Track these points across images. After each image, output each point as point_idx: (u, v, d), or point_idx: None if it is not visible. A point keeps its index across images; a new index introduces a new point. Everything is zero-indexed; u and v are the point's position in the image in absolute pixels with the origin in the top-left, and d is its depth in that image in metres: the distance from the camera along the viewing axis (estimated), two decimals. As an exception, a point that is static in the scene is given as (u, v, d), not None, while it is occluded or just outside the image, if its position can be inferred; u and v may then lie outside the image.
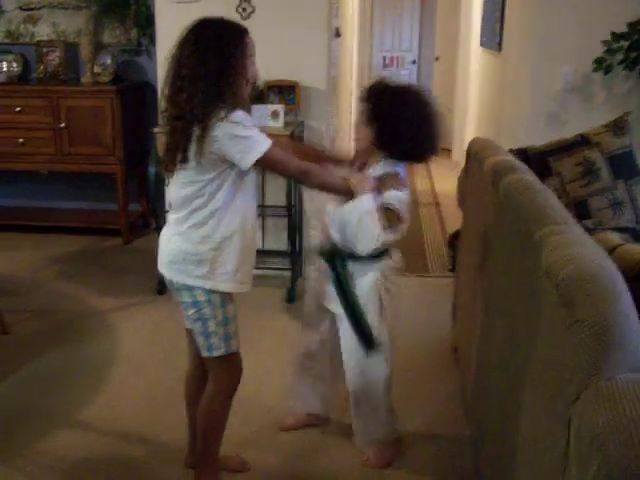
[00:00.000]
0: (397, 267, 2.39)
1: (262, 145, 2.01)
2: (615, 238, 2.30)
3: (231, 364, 2.22)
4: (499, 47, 4.97)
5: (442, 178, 7.01)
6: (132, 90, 5.00)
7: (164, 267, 2.14)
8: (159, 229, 4.02)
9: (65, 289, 4.10)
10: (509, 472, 1.79)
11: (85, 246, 4.96)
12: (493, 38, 5.21)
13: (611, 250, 2.10)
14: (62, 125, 4.74)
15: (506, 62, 4.77)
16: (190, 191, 2.04)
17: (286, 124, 3.97)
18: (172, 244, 2.10)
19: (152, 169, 3.96)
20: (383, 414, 2.49)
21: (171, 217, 2.14)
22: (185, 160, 2.01)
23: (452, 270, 4.42)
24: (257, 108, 3.96)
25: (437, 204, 6.27)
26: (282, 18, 4.10)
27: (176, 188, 2.08)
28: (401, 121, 2.22)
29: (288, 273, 4.16)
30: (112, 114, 4.70)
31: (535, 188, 2.04)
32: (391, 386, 2.51)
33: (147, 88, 5.09)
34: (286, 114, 3.98)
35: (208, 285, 2.07)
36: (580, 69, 4.05)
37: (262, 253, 4.40)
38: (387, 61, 9.38)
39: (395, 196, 2.24)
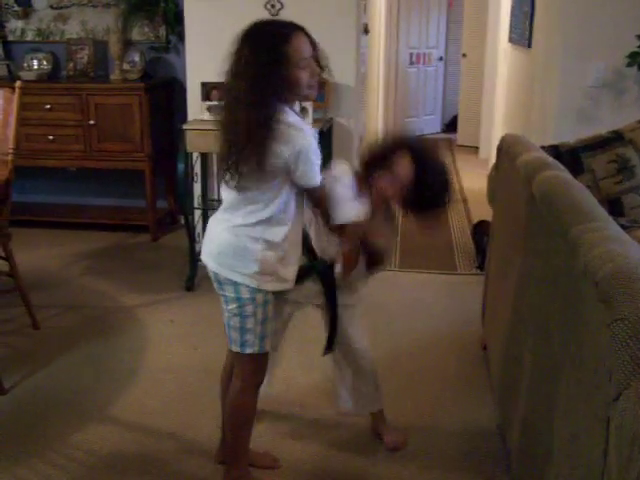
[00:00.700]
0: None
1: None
2: (652, 235, 2.26)
3: (260, 363, 2.20)
4: (528, 43, 4.92)
5: (469, 175, 6.97)
6: (160, 87, 5.02)
7: (211, 258, 2.12)
8: (188, 226, 4.08)
9: (94, 285, 4.13)
10: (544, 472, 1.77)
11: (113, 242, 4.99)
12: (522, 34, 5.16)
13: (648, 248, 2.06)
14: (91, 122, 4.78)
15: (535, 58, 4.72)
16: (246, 197, 2.02)
17: (315, 121, 3.96)
18: (223, 237, 2.08)
19: (181, 166, 3.97)
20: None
21: (223, 214, 2.12)
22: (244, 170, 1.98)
23: (478, 264, 4.42)
24: (285, 105, 3.96)
25: (465, 201, 6.23)
26: (311, 15, 4.09)
27: (230, 190, 2.05)
28: (425, 189, 2.25)
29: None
30: (140, 111, 4.72)
31: (570, 185, 2.01)
32: None
33: (175, 85, 5.12)
34: (315, 111, 3.98)
35: (254, 284, 2.05)
36: (612, 64, 4.00)
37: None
38: (414, 58, 9.33)
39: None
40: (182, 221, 5.02)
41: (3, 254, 3.45)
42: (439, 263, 4.56)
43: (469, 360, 3.26)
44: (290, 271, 2.12)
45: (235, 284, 2.06)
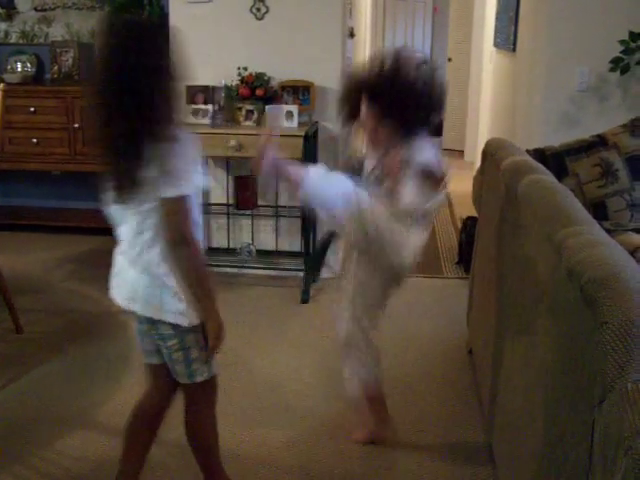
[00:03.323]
0: None
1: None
2: (637, 239, 2.28)
3: (211, 386, 2.09)
4: (513, 47, 4.95)
5: (455, 178, 6.97)
6: (145, 90, 5.00)
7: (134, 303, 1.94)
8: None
9: (78, 289, 4.10)
10: (529, 475, 1.78)
11: (97, 246, 4.96)
12: (507, 38, 5.19)
13: (633, 251, 2.08)
14: (76, 125, 4.76)
15: (520, 63, 4.75)
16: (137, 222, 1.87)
17: (300, 124, 3.96)
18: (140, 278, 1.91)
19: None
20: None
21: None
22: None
23: (458, 260, 4.45)
24: (271, 108, 3.96)
25: (450, 204, 6.25)
26: (296, 18, 4.10)
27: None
28: (402, 89, 2.18)
29: (302, 274, 4.15)
30: (126, 114, 4.70)
31: (554, 188, 2.02)
32: None
33: (160, 88, 5.09)
34: (300, 114, 3.98)
35: (188, 322, 1.90)
36: (595, 69, 4.03)
37: (276, 254, 4.41)
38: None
39: None
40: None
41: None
42: (424, 267, 4.56)
43: (454, 364, 3.26)
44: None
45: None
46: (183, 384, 2.04)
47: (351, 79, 2.34)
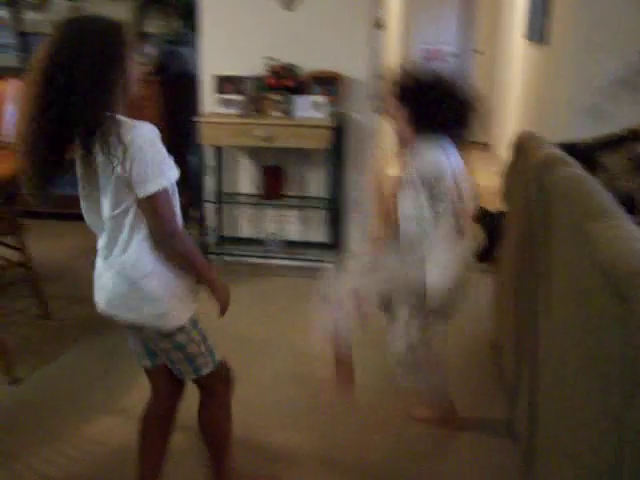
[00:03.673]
0: None
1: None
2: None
3: (222, 373, 2.08)
4: (544, 39, 4.89)
5: (482, 172, 6.93)
6: (175, 80, 5.03)
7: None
8: (201, 220, 4.09)
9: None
10: (558, 471, 1.77)
11: (126, 235, 4.99)
12: (537, 30, 5.13)
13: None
14: (105, 114, 4.78)
15: (551, 54, 4.69)
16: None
17: (328, 115, 3.96)
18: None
19: (194, 159, 3.98)
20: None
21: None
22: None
23: (480, 255, 4.42)
24: (299, 99, 3.96)
25: (477, 198, 6.20)
26: (325, 9, 4.09)
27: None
28: (429, 91, 2.22)
29: (328, 265, 4.15)
30: (154, 103, 4.73)
31: (586, 182, 2.00)
32: None
33: (189, 78, 5.11)
34: (328, 105, 3.97)
35: (169, 326, 1.89)
36: (627, 61, 3.97)
37: (302, 245, 4.42)
38: (427, 53, 9.29)
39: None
40: (194, 214, 5.03)
41: (16, 245, 3.46)
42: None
43: (479, 358, 3.25)
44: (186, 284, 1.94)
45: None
46: (194, 380, 2.03)
47: (387, 77, 2.34)
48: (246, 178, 4.42)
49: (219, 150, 4.35)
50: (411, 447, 2.59)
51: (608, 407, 1.35)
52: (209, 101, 4.25)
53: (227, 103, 4.07)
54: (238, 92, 4.10)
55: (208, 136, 3.98)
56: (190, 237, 1.88)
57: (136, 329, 1.93)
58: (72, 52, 1.68)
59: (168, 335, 1.89)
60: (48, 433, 2.62)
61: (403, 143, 2.32)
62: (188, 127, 4.94)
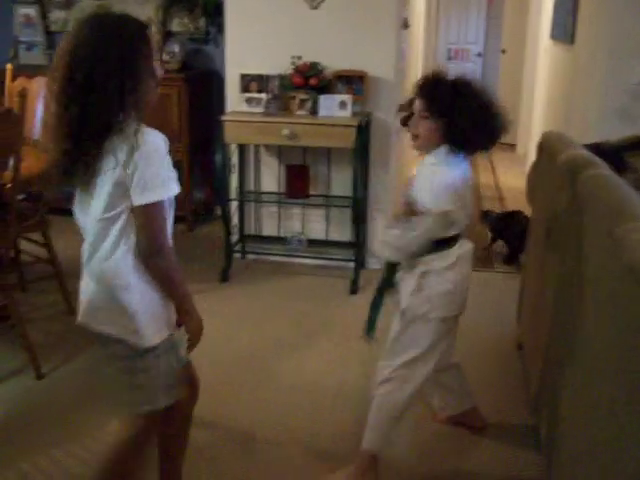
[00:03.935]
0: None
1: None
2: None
3: (151, 422, 1.92)
4: (571, 39, 4.85)
5: (506, 172, 6.91)
6: (199, 78, 5.04)
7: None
8: (225, 218, 4.10)
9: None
10: (585, 473, 1.75)
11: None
12: (565, 30, 5.09)
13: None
14: (130, 112, 4.81)
15: (578, 54, 4.65)
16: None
17: (353, 115, 3.95)
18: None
19: (219, 157, 3.99)
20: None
21: None
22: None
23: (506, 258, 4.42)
24: (325, 98, 3.95)
25: (501, 198, 6.18)
26: (351, 8, 4.07)
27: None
28: (469, 111, 2.14)
29: (352, 264, 4.15)
30: (179, 102, 4.75)
31: (614, 184, 1.98)
32: None
33: (214, 76, 5.14)
34: (354, 104, 3.97)
35: (142, 342, 1.79)
36: (657, 62, 3.92)
37: (326, 243, 4.41)
38: (452, 53, 9.27)
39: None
40: (218, 212, 5.05)
41: (42, 241, 3.49)
42: (475, 259, 4.52)
43: (504, 359, 3.23)
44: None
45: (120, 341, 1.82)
46: (124, 412, 1.92)
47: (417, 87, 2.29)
48: (270, 176, 4.42)
49: (243, 148, 4.36)
50: (431, 450, 2.58)
51: (636, 416, 1.34)
52: (234, 99, 4.26)
53: (252, 101, 4.07)
54: (263, 90, 4.11)
55: (232, 134, 3.99)
56: (176, 259, 1.80)
57: (103, 343, 1.84)
58: (93, 50, 1.65)
59: (131, 356, 1.79)
60: (72, 428, 2.63)
61: (421, 149, 2.28)
62: (212, 125, 4.97)
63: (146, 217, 1.69)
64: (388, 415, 2.29)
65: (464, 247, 2.29)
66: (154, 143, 1.68)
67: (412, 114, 2.25)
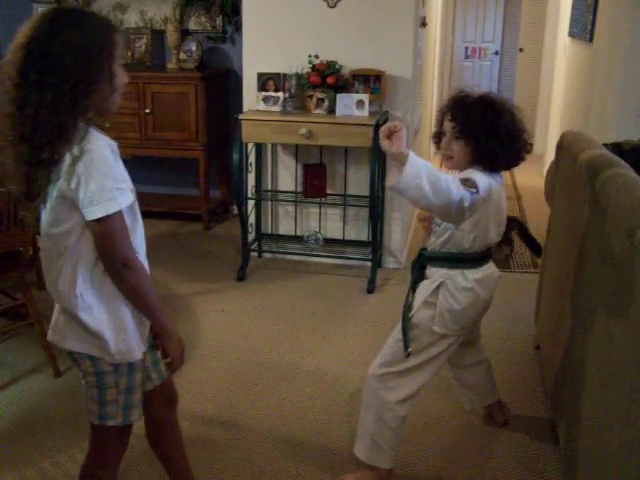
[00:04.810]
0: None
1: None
2: None
3: (122, 435, 1.87)
4: (590, 37, 4.81)
5: (523, 171, 6.85)
6: (216, 77, 5.05)
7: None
8: (242, 216, 4.10)
9: (147, 272, 4.16)
10: (604, 474, 1.74)
11: (166, 230, 5.05)
12: (584, 28, 5.05)
13: None
14: (147, 111, 4.83)
15: (597, 53, 4.61)
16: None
17: (371, 114, 3.94)
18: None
19: (235, 156, 3.99)
20: None
21: None
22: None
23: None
24: (342, 97, 3.94)
25: (519, 197, 6.15)
26: (369, 6, 4.06)
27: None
28: (497, 134, 2.13)
29: (369, 263, 4.14)
30: (196, 100, 4.76)
31: (635, 183, 1.96)
32: None
33: (231, 75, 5.15)
34: (371, 103, 3.95)
35: (107, 358, 1.70)
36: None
37: (343, 243, 4.41)
38: (469, 52, 9.23)
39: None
40: (234, 211, 5.06)
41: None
42: (493, 260, 4.49)
43: (521, 359, 3.21)
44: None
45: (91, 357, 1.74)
46: (93, 425, 1.82)
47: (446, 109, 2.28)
48: (286, 175, 4.42)
49: (260, 147, 4.36)
50: (451, 446, 2.57)
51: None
52: (251, 98, 4.26)
53: (269, 100, 4.07)
54: (280, 89, 4.10)
55: (249, 133, 3.99)
56: (147, 272, 1.69)
57: (74, 359, 1.76)
58: (51, 46, 1.50)
59: (99, 373, 1.72)
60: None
61: (454, 169, 2.26)
62: (229, 124, 4.98)
63: (101, 232, 1.57)
64: (377, 417, 2.31)
65: (489, 270, 2.32)
66: (97, 152, 1.55)
67: (442, 133, 2.25)
